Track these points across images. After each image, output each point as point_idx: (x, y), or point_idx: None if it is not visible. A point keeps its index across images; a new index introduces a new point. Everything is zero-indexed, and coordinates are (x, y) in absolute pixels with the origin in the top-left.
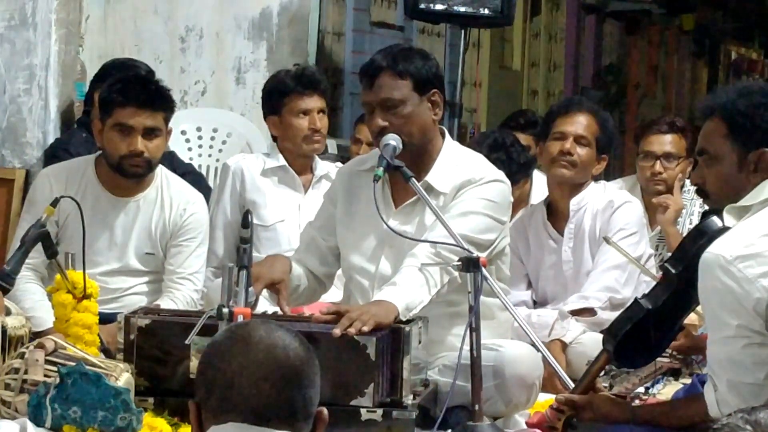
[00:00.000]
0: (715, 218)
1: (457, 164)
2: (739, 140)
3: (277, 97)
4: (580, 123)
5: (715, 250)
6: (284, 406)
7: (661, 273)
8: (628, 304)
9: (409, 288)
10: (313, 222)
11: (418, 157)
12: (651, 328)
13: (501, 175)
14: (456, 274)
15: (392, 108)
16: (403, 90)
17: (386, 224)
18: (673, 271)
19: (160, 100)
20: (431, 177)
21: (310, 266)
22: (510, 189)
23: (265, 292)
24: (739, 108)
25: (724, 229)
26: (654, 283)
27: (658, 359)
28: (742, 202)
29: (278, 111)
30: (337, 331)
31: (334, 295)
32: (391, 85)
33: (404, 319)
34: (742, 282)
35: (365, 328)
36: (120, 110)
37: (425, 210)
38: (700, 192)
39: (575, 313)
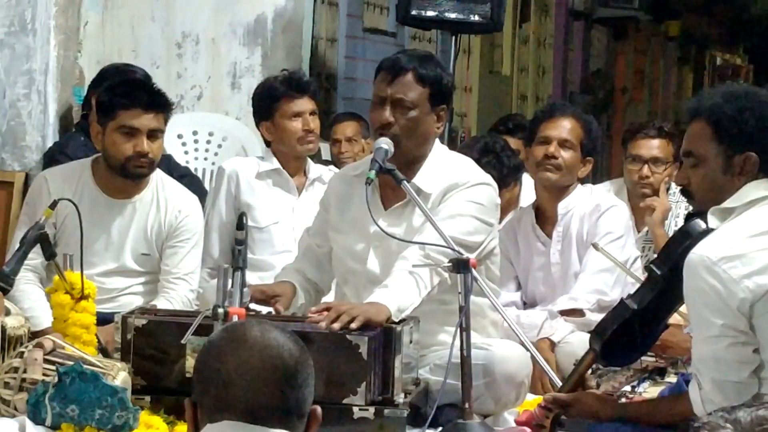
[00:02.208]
0: (699, 220)
1: (444, 167)
2: (725, 143)
3: (268, 103)
4: (563, 127)
5: (699, 251)
6: (278, 404)
7: (646, 274)
8: (615, 304)
9: (400, 290)
10: (309, 228)
11: (409, 160)
12: (636, 327)
13: (487, 178)
14: (446, 275)
15: (405, 109)
16: (420, 95)
17: (377, 225)
18: (658, 272)
19: (161, 103)
20: (419, 179)
21: (308, 274)
22: (497, 191)
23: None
24: (726, 111)
25: (708, 231)
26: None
27: (644, 358)
28: (726, 204)
29: (270, 116)
30: (322, 324)
31: (327, 297)
32: (412, 87)
33: (396, 320)
34: (727, 282)
35: (354, 325)
36: (124, 112)
37: (414, 213)
38: (685, 193)
39: (564, 313)
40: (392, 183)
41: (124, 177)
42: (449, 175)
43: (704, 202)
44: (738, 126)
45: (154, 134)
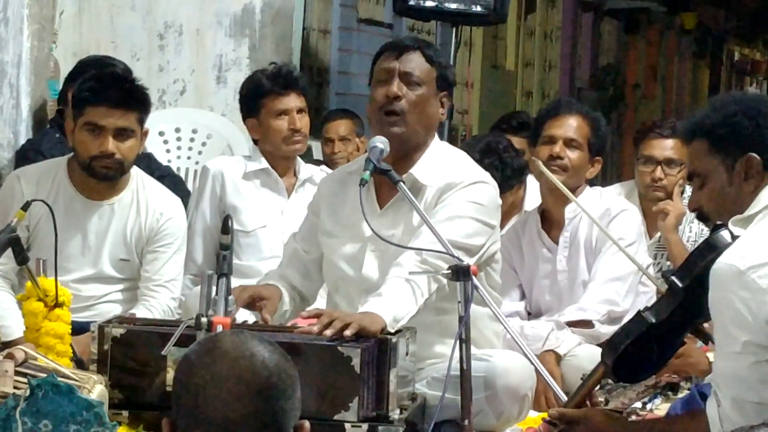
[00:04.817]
0: (724, 232)
1: (443, 162)
2: (722, 152)
3: (254, 99)
4: (569, 125)
5: (727, 260)
6: (252, 419)
7: (665, 286)
8: (631, 316)
9: (395, 299)
10: (297, 233)
11: (408, 148)
12: (653, 342)
13: (487, 176)
14: (444, 281)
15: (413, 85)
16: (428, 73)
17: (373, 231)
18: (680, 284)
19: (133, 100)
20: (417, 170)
21: (293, 281)
22: (497, 191)
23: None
24: (716, 120)
25: (734, 242)
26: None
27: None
28: (747, 212)
29: (256, 113)
30: (313, 329)
31: (318, 305)
32: (420, 63)
33: (392, 331)
34: (757, 293)
35: (347, 332)
36: (91, 109)
37: (412, 210)
38: (700, 217)
39: (572, 324)
40: (388, 179)
41: (91, 177)
42: (447, 172)
43: (720, 218)
44: (731, 130)
45: (124, 134)
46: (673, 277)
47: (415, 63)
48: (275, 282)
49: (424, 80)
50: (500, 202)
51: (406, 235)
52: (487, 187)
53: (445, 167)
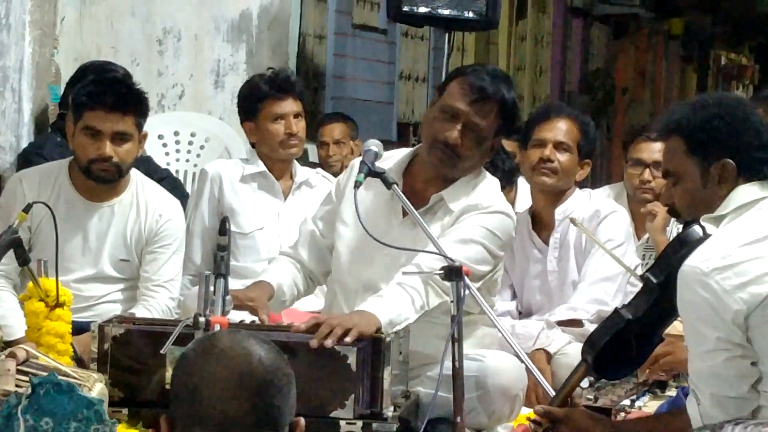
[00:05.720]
0: (696, 227)
1: (473, 187)
2: (699, 154)
3: (252, 103)
4: (559, 129)
5: (692, 262)
6: (249, 417)
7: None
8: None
9: (395, 303)
10: (315, 214)
11: (447, 176)
12: (632, 338)
13: (508, 208)
14: (447, 298)
15: (475, 135)
16: (492, 126)
17: (366, 230)
18: (654, 280)
19: (130, 104)
20: (448, 193)
21: (305, 263)
22: (514, 224)
23: None
24: (695, 122)
25: (706, 237)
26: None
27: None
28: (718, 212)
29: (254, 116)
30: (314, 342)
31: (315, 302)
32: (490, 118)
33: (387, 333)
34: (720, 294)
35: (348, 339)
36: (89, 113)
37: (432, 223)
38: (672, 212)
39: (562, 323)
40: (415, 189)
41: (90, 180)
42: (473, 195)
43: (690, 217)
44: (708, 134)
45: (122, 137)
46: (648, 273)
47: (487, 117)
48: (279, 272)
49: (487, 134)
50: (513, 235)
51: (423, 245)
52: (506, 219)
53: (472, 192)
